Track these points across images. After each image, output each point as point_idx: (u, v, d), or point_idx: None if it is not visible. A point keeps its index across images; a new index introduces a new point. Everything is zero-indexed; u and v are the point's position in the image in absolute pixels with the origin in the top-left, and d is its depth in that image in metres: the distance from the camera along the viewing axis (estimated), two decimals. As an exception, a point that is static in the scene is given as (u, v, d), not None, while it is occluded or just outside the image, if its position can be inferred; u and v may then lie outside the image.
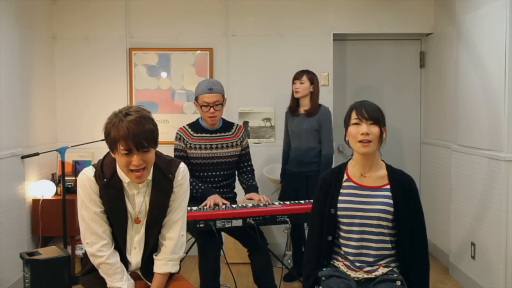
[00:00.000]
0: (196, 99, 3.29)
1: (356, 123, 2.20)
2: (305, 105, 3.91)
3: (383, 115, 2.25)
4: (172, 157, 2.31)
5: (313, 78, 3.89)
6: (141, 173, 2.05)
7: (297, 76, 3.90)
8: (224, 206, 3.08)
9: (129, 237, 2.19)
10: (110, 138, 2.02)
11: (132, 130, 1.96)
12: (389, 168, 2.29)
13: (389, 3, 4.58)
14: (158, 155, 2.21)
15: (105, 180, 2.12)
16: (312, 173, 3.81)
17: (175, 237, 2.22)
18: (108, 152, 2.15)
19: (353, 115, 2.21)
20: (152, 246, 2.22)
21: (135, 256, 2.22)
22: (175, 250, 2.22)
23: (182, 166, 2.27)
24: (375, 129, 2.18)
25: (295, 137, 3.92)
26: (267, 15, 4.59)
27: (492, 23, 3.33)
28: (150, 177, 2.16)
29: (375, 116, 2.19)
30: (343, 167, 2.34)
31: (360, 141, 2.18)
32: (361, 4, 4.58)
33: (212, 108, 3.21)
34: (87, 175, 2.13)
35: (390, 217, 2.19)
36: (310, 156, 3.85)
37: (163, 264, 2.21)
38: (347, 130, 2.25)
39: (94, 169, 2.15)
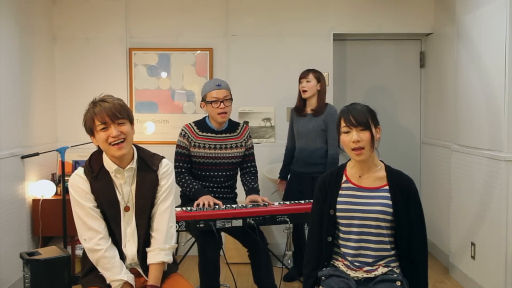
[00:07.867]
0: (204, 98, 3.28)
1: (346, 131, 2.20)
2: (312, 104, 3.87)
3: (374, 115, 2.23)
4: (155, 153, 2.40)
5: (319, 77, 3.87)
6: (120, 145, 2.18)
7: (303, 75, 3.87)
8: (217, 207, 3.08)
9: (122, 229, 2.26)
10: (88, 120, 2.20)
11: (105, 105, 2.17)
12: (388, 168, 2.29)
13: (389, 3, 4.58)
14: (142, 149, 2.36)
15: (93, 174, 2.24)
16: (317, 174, 3.72)
17: (164, 229, 2.28)
18: (95, 150, 2.32)
19: (342, 123, 2.21)
20: (144, 237, 2.28)
21: (130, 248, 2.27)
22: (166, 240, 2.28)
23: (166, 161, 2.38)
24: (365, 135, 2.17)
25: (301, 137, 3.89)
26: (267, 15, 4.58)
27: (492, 23, 3.33)
28: (134, 165, 2.28)
29: (363, 121, 2.17)
30: (342, 168, 2.34)
31: (353, 149, 2.18)
32: (361, 4, 4.58)
33: (222, 104, 3.23)
34: (77, 174, 2.28)
35: (389, 218, 2.19)
36: (316, 157, 3.82)
37: (155, 254, 2.26)
38: (339, 137, 2.25)
39: (83, 168, 2.28)
